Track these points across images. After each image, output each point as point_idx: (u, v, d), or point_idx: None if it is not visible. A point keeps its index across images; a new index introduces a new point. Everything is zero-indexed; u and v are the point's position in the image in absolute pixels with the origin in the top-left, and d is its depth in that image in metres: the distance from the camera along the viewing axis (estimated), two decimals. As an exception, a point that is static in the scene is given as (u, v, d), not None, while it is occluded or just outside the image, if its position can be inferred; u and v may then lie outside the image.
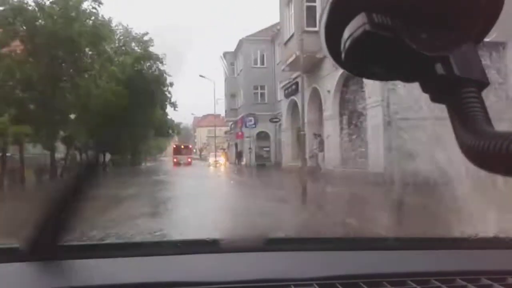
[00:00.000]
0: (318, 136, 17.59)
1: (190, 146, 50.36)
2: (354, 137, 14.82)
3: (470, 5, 0.37)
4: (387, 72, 0.39)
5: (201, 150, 68.50)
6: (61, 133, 19.65)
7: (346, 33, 0.38)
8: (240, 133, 33.28)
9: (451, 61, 0.36)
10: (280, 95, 26.48)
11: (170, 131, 39.26)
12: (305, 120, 14.73)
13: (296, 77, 18.82)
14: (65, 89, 18.18)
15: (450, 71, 0.35)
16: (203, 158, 54.52)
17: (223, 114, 43.72)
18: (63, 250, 0.81)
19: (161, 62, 28.43)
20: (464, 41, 0.37)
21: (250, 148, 31.55)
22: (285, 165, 22.31)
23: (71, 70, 18.13)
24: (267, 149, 32.83)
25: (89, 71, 19.01)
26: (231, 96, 37.36)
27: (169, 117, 39.03)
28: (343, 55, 0.39)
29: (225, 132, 43.51)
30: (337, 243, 1.03)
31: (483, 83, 0.36)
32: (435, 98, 0.37)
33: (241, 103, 34.55)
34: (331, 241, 1.04)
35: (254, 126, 29.56)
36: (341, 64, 0.40)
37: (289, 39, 18.48)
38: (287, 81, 21.92)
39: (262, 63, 32.80)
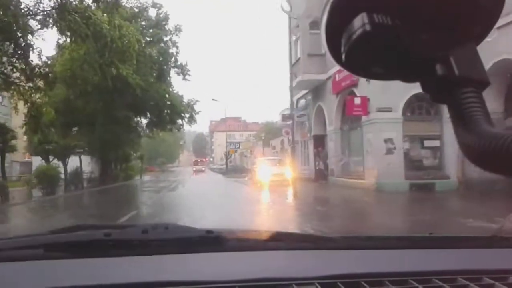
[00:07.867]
0: None
1: (205, 160, 67.99)
2: None
3: (470, 5, 0.37)
4: (387, 72, 0.40)
5: (227, 155, 45.43)
6: None
7: (346, 33, 0.38)
8: (361, 100, 12.93)
9: (451, 61, 0.36)
10: None
11: (176, 118, 20.65)
12: None
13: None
14: None
15: (450, 71, 0.36)
16: (234, 169, 33.95)
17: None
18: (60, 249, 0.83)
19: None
20: (464, 41, 0.37)
21: (390, 144, 11.54)
22: None
23: None
24: (435, 144, 12.69)
25: None
26: (310, 24, 16.81)
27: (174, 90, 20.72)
28: (344, 55, 0.39)
29: (283, 118, 22.99)
30: (339, 242, 0.99)
31: (483, 83, 0.36)
32: (435, 98, 0.38)
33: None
34: (333, 240, 1.00)
35: None
36: (342, 64, 0.40)
37: None
38: None
39: None
